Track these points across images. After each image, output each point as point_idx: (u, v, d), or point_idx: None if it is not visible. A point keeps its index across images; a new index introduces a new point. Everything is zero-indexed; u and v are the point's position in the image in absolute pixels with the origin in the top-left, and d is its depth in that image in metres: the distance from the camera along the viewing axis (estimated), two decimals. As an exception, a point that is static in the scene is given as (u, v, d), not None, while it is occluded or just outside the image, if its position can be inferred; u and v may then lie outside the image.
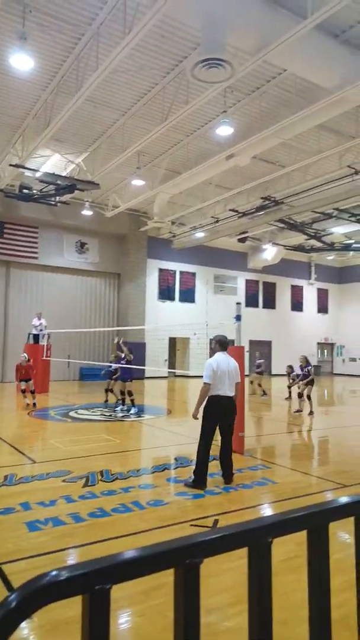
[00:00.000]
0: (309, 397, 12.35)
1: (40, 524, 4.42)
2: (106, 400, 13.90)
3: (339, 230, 21.72)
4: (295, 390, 13.92)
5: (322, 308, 30.98)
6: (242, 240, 23.40)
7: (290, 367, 15.79)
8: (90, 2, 8.87)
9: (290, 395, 15.37)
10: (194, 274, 25.40)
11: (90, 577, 0.82)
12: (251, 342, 25.72)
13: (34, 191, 16.17)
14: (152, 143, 14.05)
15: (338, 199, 16.47)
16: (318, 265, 30.42)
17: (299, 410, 12.31)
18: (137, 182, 16.67)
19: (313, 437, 9.82)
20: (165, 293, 24.31)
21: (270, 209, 18.60)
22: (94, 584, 0.82)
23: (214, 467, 6.63)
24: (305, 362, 12.69)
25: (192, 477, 5.75)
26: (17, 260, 20.60)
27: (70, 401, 14.25)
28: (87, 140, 14.71)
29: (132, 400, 11.93)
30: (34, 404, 12.35)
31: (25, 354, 13.62)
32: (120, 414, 11.49)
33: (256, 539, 1.03)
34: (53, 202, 17.45)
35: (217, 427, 5.92)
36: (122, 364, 12.39)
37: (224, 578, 3.39)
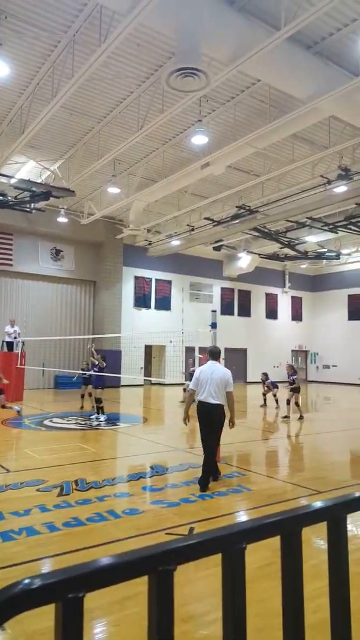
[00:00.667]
0: (297, 404, 12.78)
1: (14, 534, 4.34)
2: (82, 407, 13.78)
3: (312, 239, 22.13)
4: (283, 396, 14.20)
5: (296, 316, 31.42)
6: (217, 248, 23.59)
7: (265, 374, 15.93)
8: (66, 9, 8.88)
9: (265, 403, 15.50)
10: (169, 282, 25.45)
11: (63, 585, 0.81)
12: (227, 350, 25.89)
13: (9, 198, 15.98)
14: (127, 151, 14.09)
15: (311, 208, 16.78)
16: (292, 273, 30.89)
17: (287, 417, 12.57)
18: (113, 190, 16.67)
19: (288, 444, 9.91)
20: (141, 301, 24.28)
21: (245, 218, 18.82)
22: (66, 592, 0.81)
23: (188, 475, 6.62)
24: (292, 370, 13.22)
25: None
26: (-9, 267, 20.29)
27: (45, 409, 14.03)
28: (63, 147, 14.65)
29: (100, 408, 11.86)
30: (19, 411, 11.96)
31: None
32: (95, 423, 11.37)
33: (230, 545, 1.04)
34: (28, 209, 17.27)
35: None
36: (95, 371, 12.35)
37: (199, 586, 3.38)
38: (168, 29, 8.18)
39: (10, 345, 16.81)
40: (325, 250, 24.00)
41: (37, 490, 5.75)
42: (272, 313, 30.13)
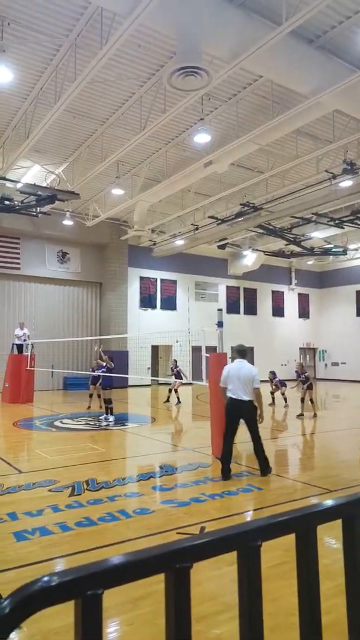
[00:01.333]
0: (311, 401, 12.79)
1: (28, 534, 4.37)
2: (89, 407, 13.86)
3: (318, 235, 22.00)
4: (292, 395, 14.26)
5: (304, 313, 31.25)
6: (222, 247, 23.54)
7: (273, 372, 15.90)
8: (67, 13, 8.91)
9: (273, 401, 15.46)
10: (174, 282, 25.44)
11: (82, 583, 0.82)
12: (233, 349, 25.81)
13: (15, 202, 16.07)
14: (130, 152, 14.11)
15: (316, 203, 16.70)
16: (298, 270, 30.71)
17: (302, 414, 12.59)
18: (117, 191, 16.70)
19: (298, 442, 9.88)
20: (147, 301, 24.30)
21: (250, 215, 18.76)
22: (86, 589, 0.82)
23: (198, 475, 6.64)
24: (302, 368, 13.33)
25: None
26: (-1, 271, 20.43)
27: (55, 411, 14.10)
28: (67, 150, 14.70)
29: (109, 409, 11.89)
30: None
31: None
32: (105, 423, 11.41)
33: (245, 543, 1.04)
34: (34, 213, 17.36)
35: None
36: (103, 371, 12.48)
37: (211, 586, 3.39)
38: (168, 28, 8.19)
39: (20, 347, 16.92)
40: (332, 245, 23.83)
41: (49, 490, 5.79)
42: (278, 311, 29.99)
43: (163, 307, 24.83)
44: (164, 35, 9.22)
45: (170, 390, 16.27)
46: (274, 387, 15.68)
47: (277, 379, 15.61)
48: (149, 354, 23.56)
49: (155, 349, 24.44)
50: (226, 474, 6.36)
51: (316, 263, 30.13)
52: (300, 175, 15.93)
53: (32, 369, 16.41)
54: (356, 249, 25.81)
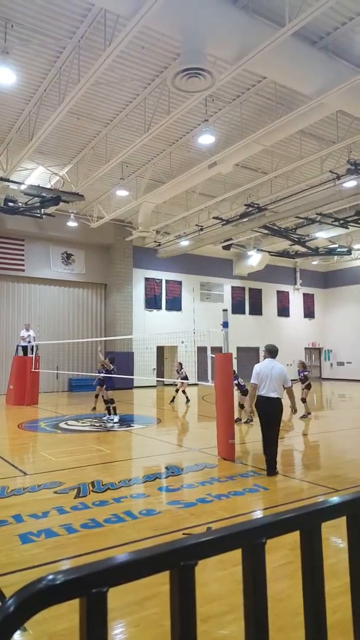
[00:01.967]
0: (303, 400, 12.58)
1: (33, 536, 4.38)
2: (94, 408, 13.89)
3: (322, 235, 21.97)
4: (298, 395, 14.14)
5: (309, 313, 31.19)
6: (226, 247, 23.54)
7: None
8: (70, 15, 8.94)
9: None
10: (179, 283, 25.46)
11: (87, 581, 0.82)
12: (238, 349, 25.83)
13: (19, 204, 16.14)
14: (135, 153, 14.14)
15: (321, 204, 16.68)
16: (303, 270, 30.67)
17: (304, 415, 12.45)
18: (121, 193, 16.73)
19: (303, 442, 9.85)
20: (152, 302, 24.33)
21: (254, 216, 18.75)
22: (90, 587, 0.82)
23: (204, 475, 6.63)
24: (303, 366, 13.15)
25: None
26: (3, 273, 20.51)
27: (60, 412, 14.13)
28: (71, 152, 14.75)
29: (112, 409, 11.92)
30: None
31: None
32: (110, 424, 11.43)
33: (250, 540, 1.04)
34: (38, 215, 17.43)
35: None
36: (104, 373, 12.71)
37: (217, 586, 3.38)
38: (172, 30, 8.19)
39: (25, 349, 16.98)
40: (337, 245, 23.78)
41: (55, 492, 5.79)
42: (283, 311, 29.95)
43: (168, 308, 24.85)
44: (168, 37, 9.23)
45: (177, 391, 16.30)
46: None
47: None
48: (154, 355, 23.58)
49: (160, 350, 24.46)
50: (272, 470, 6.58)
51: (321, 263, 30.07)
52: (304, 176, 15.91)
53: (37, 370, 16.46)
54: (361, 249, 25.74)
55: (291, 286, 30.44)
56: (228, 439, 7.60)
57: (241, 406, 11.52)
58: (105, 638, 0.87)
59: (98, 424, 11.55)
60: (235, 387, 14.87)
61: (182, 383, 15.92)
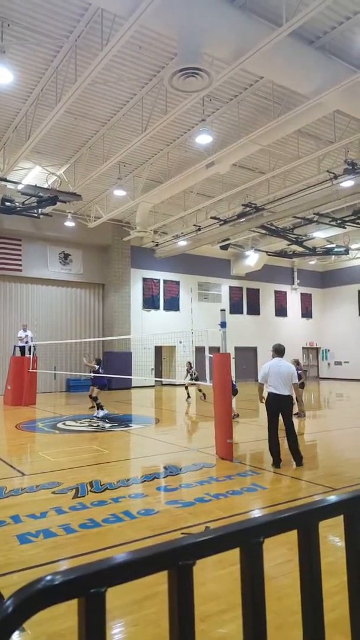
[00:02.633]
0: (297, 399, 12.52)
1: (31, 537, 4.38)
2: (92, 407, 14.01)
3: (320, 235, 22.00)
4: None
5: (306, 313, 31.24)
6: (224, 247, 23.56)
7: None
8: (67, 15, 8.93)
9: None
10: (177, 282, 25.47)
11: (85, 581, 0.82)
12: (236, 349, 25.85)
13: (16, 204, 16.11)
14: (132, 153, 14.13)
15: (318, 203, 16.70)
16: (301, 270, 30.72)
17: (296, 414, 12.45)
18: (119, 193, 16.73)
19: (301, 441, 9.86)
20: (150, 302, 24.33)
21: (252, 216, 18.77)
22: (88, 587, 0.82)
23: (202, 475, 6.64)
24: (297, 364, 13.05)
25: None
26: (1, 273, 20.48)
27: (58, 413, 14.12)
28: (68, 152, 14.73)
29: (98, 405, 12.76)
30: None
31: None
32: (108, 424, 11.43)
33: (247, 539, 1.04)
34: (35, 215, 17.40)
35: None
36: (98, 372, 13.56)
37: (216, 585, 3.39)
38: (169, 30, 8.19)
39: (22, 349, 16.96)
40: (334, 245, 23.83)
41: (53, 492, 5.79)
42: (281, 310, 29.99)
43: (166, 308, 24.85)
44: (165, 36, 9.23)
45: (186, 388, 17.17)
46: None
47: None
48: (152, 355, 23.59)
49: (158, 350, 24.46)
50: (277, 464, 6.98)
51: (318, 263, 30.13)
52: (302, 176, 15.93)
53: (35, 371, 16.45)
54: (358, 249, 25.80)
55: (289, 286, 30.48)
56: (226, 439, 7.61)
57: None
58: (104, 638, 0.87)
59: (96, 424, 11.55)
60: None
61: (192, 383, 16.22)
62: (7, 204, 15.86)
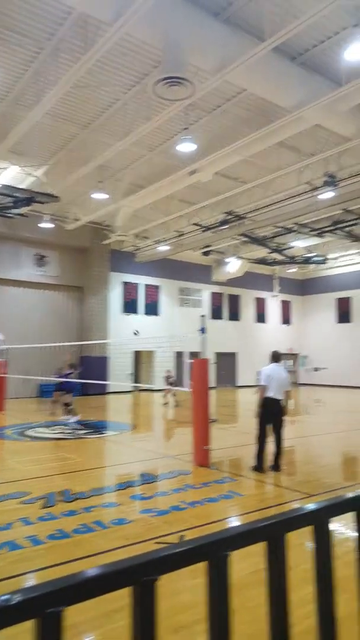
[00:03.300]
0: None
1: (-4, 549, 4.25)
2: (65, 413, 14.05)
3: (299, 244, 22.31)
4: None
5: (286, 319, 31.63)
6: (206, 253, 23.66)
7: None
8: (50, 17, 8.88)
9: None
10: (158, 287, 25.44)
11: (41, 600, 0.79)
12: (217, 354, 25.93)
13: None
14: (114, 157, 14.09)
15: (298, 214, 16.92)
16: (281, 277, 31.08)
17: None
18: (99, 196, 16.62)
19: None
20: (130, 306, 24.23)
21: (233, 224, 18.92)
22: (45, 607, 0.79)
23: (178, 482, 6.60)
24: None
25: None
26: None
27: (29, 419, 13.86)
28: (48, 153, 14.59)
29: (70, 411, 13.07)
30: None
31: None
32: (82, 431, 11.28)
33: (214, 553, 1.03)
34: (10, 215, 17.09)
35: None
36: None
37: (189, 595, 3.35)
38: (154, 38, 8.23)
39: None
40: (313, 255, 24.21)
41: (21, 502, 5.63)
42: (261, 317, 30.29)
43: (146, 313, 24.78)
44: (149, 45, 9.25)
45: (164, 396, 16.88)
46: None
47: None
48: (130, 360, 23.45)
49: (137, 355, 24.34)
50: (262, 469, 7.09)
51: (298, 271, 30.56)
52: (282, 187, 16.11)
53: (4, 375, 16.09)
54: (336, 258, 26.30)
55: (269, 293, 30.81)
56: (203, 445, 7.60)
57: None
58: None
59: (69, 432, 11.38)
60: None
61: (169, 389, 16.22)
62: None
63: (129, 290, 24.29)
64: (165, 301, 25.46)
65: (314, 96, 9.55)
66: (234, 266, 26.43)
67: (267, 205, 17.51)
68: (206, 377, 8.00)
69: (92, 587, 0.87)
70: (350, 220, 18.32)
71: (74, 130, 13.17)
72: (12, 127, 11.69)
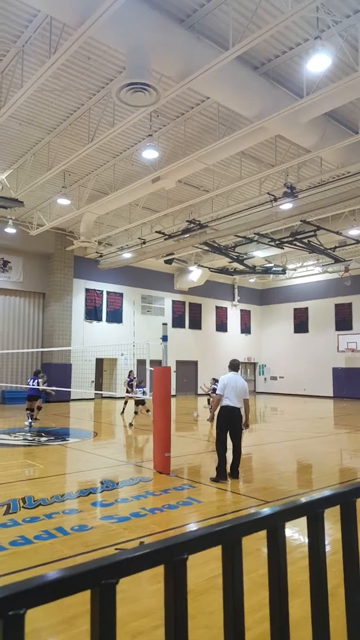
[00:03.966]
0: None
1: None
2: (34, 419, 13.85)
3: (259, 254, 22.76)
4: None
5: (245, 328, 32.11)
6: (168, 261, 23.78)
7: (216, 380, 16.13)
8: (14, 19, 8.79)
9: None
10: (121, 295, 25.34)
11: (3, 603, 0.80)
12: (178, 362, 26.03)
13: None
14: (78, 163, 14.02)
15: (258, 224, 17.29)
16: (241, 287, 31.61)
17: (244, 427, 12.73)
18: (63, 201, 16.47)
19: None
20: (92, 313, 24.00)
21: (195, 232, 19.12)
22: (7, 610, 0.80)
23: (139, 489, 6.59)
24: (215, 382, 13.72)
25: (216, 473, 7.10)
26: None
27: (-10, 426, 13.50)
28: (11, 157, 14.37)
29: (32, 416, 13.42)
30: None
31: None
32: (44, 438, 11.08)
33: (171, 557, 1.06)
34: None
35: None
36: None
37: (150, 600, 3.36)
38: (118, 44, 8.28)
39: None
40: (272, 265, 24.77)
41: (-19, 510, 5.52)
42: (222, 326, 30.63)
43: (109, 320, 24.62)
44: (114, 50, 9.30)
45: (136, 404, 15.92)
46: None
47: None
48: (93, 368, 23.21)
49: (99, 362, 24.12)
50: (223, 476, 7.06)
51: (257, 281, 31.17)
52: (243, 196, 16.45)
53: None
54: (294, 269, 27.01)
55: (229, 302, 31.24)
56: (164, 452, 7.61)
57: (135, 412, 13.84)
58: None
59: (32, 438, 11.16)
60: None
61: (129, 396, 15.82)
62: None
63: (92, 297, 24.08)
64: (128, 309, 25.38)
65: (276, 106, 9.77)
66: (195, 275, 26.69)
67: (228, 215, 17.81)
68: (168, 385, 8.03)
69: (52, 590, 0.88)
70: (308, 232, 18.86)
71: (38, 135, 13.03)
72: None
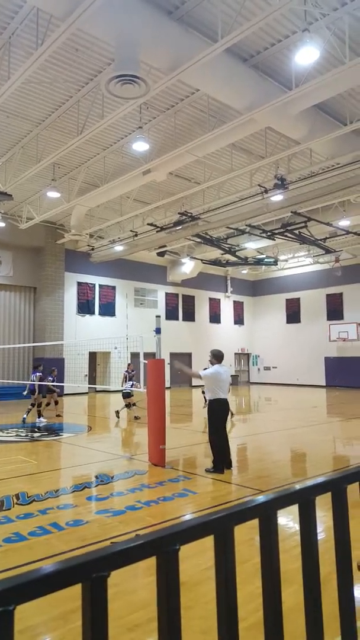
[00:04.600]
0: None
1: None
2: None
3: (251, 246, 22.77)
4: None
5: (238, 320, 32.21)
6: (161, 254, 23.71)
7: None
8: (0, 10, 8.65)
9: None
10: (113, 288, 25.26)
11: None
12: (172, 354, 26.04)
13: None
14: (67, 155, 13.89)
15: (250, 215, 17.28)
16: (233, 278, 31.65)
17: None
18: (53, 194, 16.33)
19: (232, 444, 10.09)
20: (85, 307, 23.92)
21: (187, 224, 19.06)
22: (-4, 606, 0.80)
23: (134, 482, 6.61)
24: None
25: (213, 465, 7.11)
26: None
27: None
28: (0, 150, 14.20)
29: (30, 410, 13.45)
30: None
31: None
32: (37, 434, 11.07)
33: (163, 548, 1.06)
34: None
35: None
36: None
37: (146, 593, 3.38)
38: (106, 35, 8.18)
39: None
40: (264, 256, 24.80)
41: (-25, 506, 5.51)
42: (215, 317, 30.69)
43: (102, 313, 24.55)
44: (102, 42, 9.19)
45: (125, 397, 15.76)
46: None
47: None
48: (86, 361, 23.17)
49: (93, 356, 24.08)
50: (222, 470, 7.04)
51: (250, 272, 31.21)
52: (234, 188, 16.41)
53: None
54: (286, 260, 27.07)
55: (222, 294, 31.27)
56: (159, 445, 7.63)
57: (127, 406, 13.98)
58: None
59: (24, 434, 11.15)
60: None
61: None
62: None
63: (84, 290, 23.98)
64: (120, 302, 25.31)
65: (265, 98, 9.74)
66: (188, 267, 26.66)
67: (220, 207, 17.77)
68: (162, 377, 8.04)
69: (42, 585, 0.88)
70: (299, 223, 18.87)
71: (27, 127, 12.89)
72: None
